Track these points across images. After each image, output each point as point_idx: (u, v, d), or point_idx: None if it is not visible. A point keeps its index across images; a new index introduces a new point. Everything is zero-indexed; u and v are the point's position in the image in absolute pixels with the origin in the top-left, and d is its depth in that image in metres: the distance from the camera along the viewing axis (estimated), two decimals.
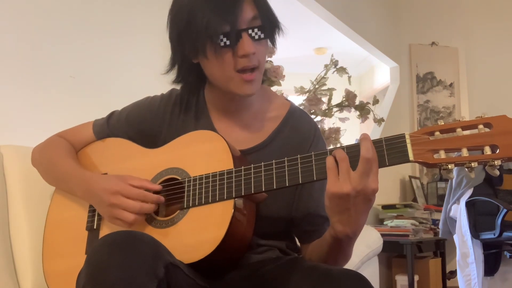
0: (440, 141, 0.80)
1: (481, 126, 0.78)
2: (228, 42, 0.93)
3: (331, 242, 0.91)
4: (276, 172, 0.91)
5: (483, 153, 0.77)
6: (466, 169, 0.79)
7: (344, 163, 0.82)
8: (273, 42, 1.03)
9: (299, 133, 1.09)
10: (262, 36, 0.97)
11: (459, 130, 0.80)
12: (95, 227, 1.05)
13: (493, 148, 0.77)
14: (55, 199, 1.16)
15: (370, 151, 0.81)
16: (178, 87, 1.13)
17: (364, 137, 0.83)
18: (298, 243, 1.10)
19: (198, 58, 1.01)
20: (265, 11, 0.98)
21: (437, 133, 0.81)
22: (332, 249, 0.93)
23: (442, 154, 0.80)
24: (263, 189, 0.91)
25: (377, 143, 0.84)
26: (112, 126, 1.16)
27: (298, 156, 0.90)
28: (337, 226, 0.86)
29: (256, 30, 0.95)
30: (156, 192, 1.00)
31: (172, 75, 1.08)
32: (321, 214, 1.04)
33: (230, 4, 0.93)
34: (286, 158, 0.91)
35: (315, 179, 0.88)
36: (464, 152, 0.79)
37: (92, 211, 1.07)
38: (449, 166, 0.79)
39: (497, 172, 0.77)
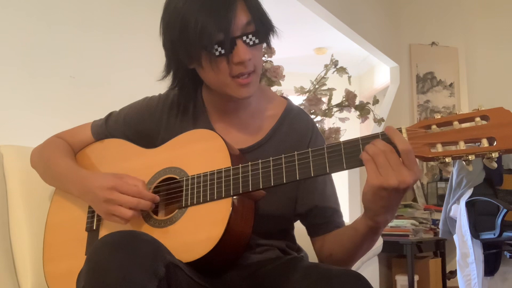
0: (437, 135, 0.80)
1: (478, 119, 0.78)
2: (223, 51, 0.92)
3: (367, 232, 0.91)
4: (273, 169, 0.91)
5: (480, 145, 0.77)
6: (464, 162, 0.79)
7: (380, 156, 0.80)
8: (268, 44, 1.03)
9: (296, 130, 1.09)
10: (257, 41, 0.96)
11: (456, 123, 0.79)
12: (94, 228, 1.05)
13: (490, 140, 0.76)
14: (55, 200, 1.16)
15: (406, 142, 0.80)
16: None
17: (392, 131, 0.81)
18: (308, 236, 1.10)
19: (193, 65, 1.01)
20: (258, 15, 0.97)
21: (434, 126, 0.80)
22: (366, 239, 0.93)
23: (439, 148, 0.79)
24: (261, 187, 0.91)
25: (373, 137, 0.84)
26: (110, 127, 1.17)
27: (295, 152, 0.90)
28: (378, 217, 0.86)
29: (250, 36, 0.94)
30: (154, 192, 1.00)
31: (168, 80, 1.07)
32: (328, 206, 1.05)
33: (223, 11, 0.91)
34: (283, 155, 0.91)
35: (312, 175, 0.87)
36: (461, 145, 0.78)
37: (91, 212, 1.07)
38: (446, 160, 0.79)
39: (495, 165, 0.77)
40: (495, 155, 0.76)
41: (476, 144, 0.78)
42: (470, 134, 0.78)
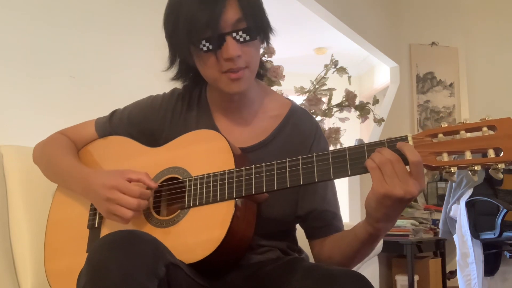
0: (443, 144, 0.80)
1: (485, 129, 0.77)
2: (210, 47, 0.93)
3: (367, 238, 0.91)
4: (277, 173, 0.90)
5: (486, 156, 0.76)
6: (469, 172, 0.78)
7: (387, 165, 0.80)
8: (266, 41, 1.03)
9: (300, 131, 1.09)
10: (248, 38, 0.96)
11: (462, 132, 0.79)
12: (96, 226, 1.05)
13: (497, 151, 0.76)
14: (56, 197, 1.16)
15: (417, 154, 0.79)
16: (177, 84, 1.14)
17: (402, 144, 0.81)
18: (307, 239, 1.10)
19: (188, 59, 1.02)
20: (250, 13, 0.97)
21: (440, 135, 0.80)
22: (365, 245, 0.94)
23: (445, 157, 0.79)
24: (264, 190, 0.91)
25: (379, 144, 0.84)
26: (114, 125, 1.17)
27: (300, 157, 0.90)
28: (379, 224, 0.87)
29: (240, 32, 0.95)
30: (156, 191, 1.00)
31: (172, 72, 1.09)
32: (328, 209, 1.05)
33: (211, 8, 0.92)
34: (287, 159, 0.91)
35: (316, 180, 0.87)
36: (468, 155, 0.78)
37: (93, 209, 1.07)
38: (452, 169, 0.79)
39: (501, 176, 0.76)
40: (501, 166, 0.75)
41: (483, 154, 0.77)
42: (477, 144, 0.77)
